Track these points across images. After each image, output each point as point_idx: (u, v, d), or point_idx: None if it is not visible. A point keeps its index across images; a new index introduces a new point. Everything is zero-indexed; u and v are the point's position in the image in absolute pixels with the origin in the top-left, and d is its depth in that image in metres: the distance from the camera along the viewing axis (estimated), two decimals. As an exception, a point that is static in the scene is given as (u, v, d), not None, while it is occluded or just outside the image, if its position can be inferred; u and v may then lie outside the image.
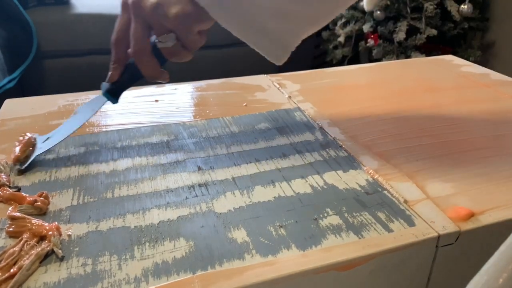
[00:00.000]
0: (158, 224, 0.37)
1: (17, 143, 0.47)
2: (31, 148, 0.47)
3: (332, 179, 0.43)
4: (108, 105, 0.48)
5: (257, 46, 0.45)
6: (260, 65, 2.00)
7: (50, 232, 0.35)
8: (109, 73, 0.45)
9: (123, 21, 0.43)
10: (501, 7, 1.80)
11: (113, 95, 0.46)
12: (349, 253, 0.34)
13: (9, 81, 1.47)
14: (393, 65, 0.81)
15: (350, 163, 0.46)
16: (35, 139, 0.48)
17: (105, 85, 0.46)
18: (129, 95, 0.63)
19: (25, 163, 0.45)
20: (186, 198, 0.40)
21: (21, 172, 0.44)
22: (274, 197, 0.41)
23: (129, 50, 0.43)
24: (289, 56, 0.48)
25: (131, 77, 0.46)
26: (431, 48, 1.76)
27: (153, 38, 0.43)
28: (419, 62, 0.81)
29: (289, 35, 0.46)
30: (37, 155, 0.46)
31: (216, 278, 0.31)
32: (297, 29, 0.45)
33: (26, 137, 0.48)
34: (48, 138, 0.48)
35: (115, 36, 0.44)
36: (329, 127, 0.54)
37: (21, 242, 0.34)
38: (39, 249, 0.33)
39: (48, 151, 0.47)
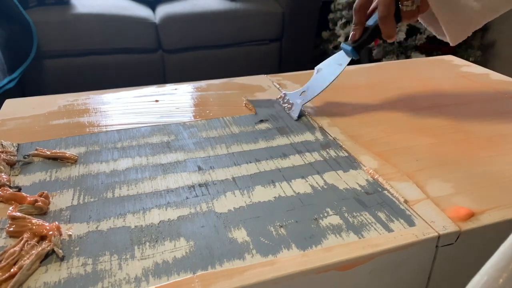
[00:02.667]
0: (158, 224, 0.37)
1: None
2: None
3: (332, 179, 0.43)
4: (108, 104, 0.48)
5: (447, 23, 0.52)
6: (260, 65, 2.01)
7: (51, 232, 0.35)
8: (352, 33, 0.56)
9: None
10: (501, 7, 1.79)
11: (357, 51, 0.56)
12: (349, 253, 0.34)
13: (9, 81, 1.47)
14: (393, 65, 0.81)
15: (350, 163, 0.46)
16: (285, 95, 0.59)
17: (345, 45, 0.57)
18: (129, 95, 0.63)
19: (297, 115, 0.56)
20: (187, 198, 0.40)
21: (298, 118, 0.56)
22: (274, 197, 0.41)
23: (371, 13, 0.54)
24: (463, 39, 0.54)
25: (370, 36, 0.55)
26: (431, 48, 1.76)
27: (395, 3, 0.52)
28: (419, 62, 0.81)
29: (473, 17, 0.52)
30: (303, 104, 0.57)
31: (217, 278, 0.31)
32: (482, 13, 0.51)
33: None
34: (304, 91, 0.58)
35: (359, 3, 0.54)
36: (329, 127, 0.54)
37: (22, 242, 0.34)
38: (40, 249, 0.33)
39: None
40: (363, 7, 0.55)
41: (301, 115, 0.57)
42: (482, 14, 0.51)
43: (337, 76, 0.57)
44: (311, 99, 0.57)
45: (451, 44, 0.54)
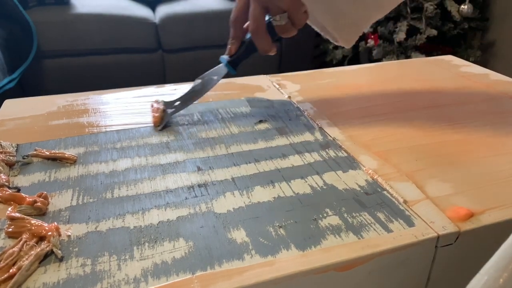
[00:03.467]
0: (157, 224, 0.37)
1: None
2: (163, 113, 0.55)
3: (332, 179, 0.43)
4: (108, 104, 0.48)
5: (334, 28, 0.52)
6: (260, 65, 2.00)
7: (50, 233, 0.35)
8: (228, 47, 0.54)
9: (241, 3, 0.51)
10: (501, 7, 1.80)
11: (233, 66, 0.55)
12: (349, 253, 0.34)
13: (9, 81, 1.47)
14: (393, 65, 0.81)
15: (349, 163, 0.46)
16: (163, 104, 0.56)
17: (224, 57, 0.55)
18: (129, 95, 0.63)
19: (161, 125, 0.53)
20: (186, 198, 0.40)
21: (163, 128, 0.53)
22: (274, 197, 0.40)
23: (248, 27, 0.51)
24: (355, 41, 0.54)
25: (247, 51, 0.53)
26: (431, 48, 1.76)
27: (267, 17, 0.50)
28: (419, 62, 0.81)
29: (362, 20, 0.52)
30: (170, 118, 0.55)
31: (216, 279, 0.31)
32: (369, 14, 0.52)
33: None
34: (175, 103, 0.56)
35: (234, 16, 0.51)
36: (328, 127, 0.54)
37: (21, 243, 0.34)
38: (39, 249, 0.33)
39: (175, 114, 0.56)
40: (239, 21, 0.52)
41: (166, 125, 0.54)
42: (364, 17, 0.52)
43: (210, 88, 0.56)
44: (179, 110, 0.56)
45: (345, 47, 0.55)
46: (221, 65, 0.56)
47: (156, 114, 0.54)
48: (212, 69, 0.56)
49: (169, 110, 0.56)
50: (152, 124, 0.54)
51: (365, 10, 0.51)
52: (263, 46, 0.51)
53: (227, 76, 0.71)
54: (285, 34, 0.51)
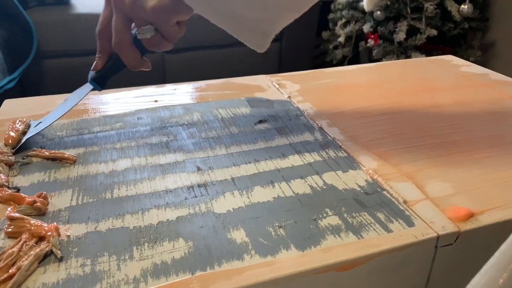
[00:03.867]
0: (157, 224, 0.37)
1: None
2: (25, 132, 0.51)
3: (332, 180, 0.43)
4: (108, 104, 0.48)
5: (237, 34, 0.45)
6: (260, 65, 2.00)
7: (49, 233, 0.34)
8: (95, 62, 0.49)
9: (106, 13, 0.45)
10: (501, 7, 1.80)
11: (98, 83, 0.49)
12: (349, 253, 0.34)
13: (9, 81, 1.47)
14: (393, 65, 0.81)
15: (349, 163, 0.46)
16: (28, 124, 0.52)
17: (91, 73, 0.49)
18: (128, 95, 0.63)
19: (16, 146, 0.48)
20: (185, 198, 0.40)
21: (15, 152, 0.47)
22: (274, 197, 0.40)
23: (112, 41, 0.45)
24: (269, 44, 0.48)
25: (114, 66, 0.49)
26: (431, 48, 1.76)
27: (134, 30, 0.45)
28: (419, 62, 0.81)
29: (266, 23, 0.46)
30: (27, 138, 0.49)
31: (215, 279, 0.31)
32: (274, 17, 0.45)
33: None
34: (40, 122, 0.51)
35: (99, 28, 0.46)
36: (328, 127, 0.54)
37: (20, 243, 0.34)
38: (38, 249, 0.33)
39: (38, 134, 0.50)
40: (103, 33, 0.46)
41: (21, 149, 0.48)
42: (270, 20, 0.45)
43: (71, 107, 0.50)
44: (40, 131, 0.50)
45: (259, 52, 0.48)
46: (87, 84, 0.50)
47: (13, 134, 0.49)
48: (80, 87, 0.51)
49: (31, 130, 0.50)
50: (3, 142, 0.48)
51: (268, 13, 0.44)
52: (130, 61, 0.46)
53: (227, 76, 0.71)
54: (156, 48, 0.46)
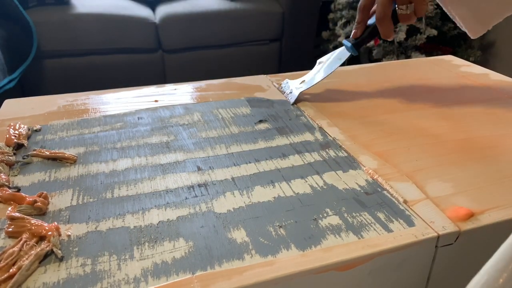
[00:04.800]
0: (157, 224, 0.37)
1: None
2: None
3: (332, 179, 0.43)
4: (108, 104, 0.48)
5: (461, 17, 0.55)
6: (260, 65, 2.00)
7: (50, 232, 0.35)
8: (353, 31, 0.60)
9: None
10: (501, 7, 1.79)
11: (356, 48, 0.60)
12: (349, 253, 0.34)
13: (9, 81, 1.47)
14: (393, 65, 0.81)
15: (349, 163, 0.46)
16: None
17: (346, 42, 0.61)
18: (129, 95, 0.63)
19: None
20: (186, 198, 0.40)
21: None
22: (274, 197, 0.40)
23: (373, 13, 0.57)
24: (483, 33, 0.57)
25: (370, 35, 0.59)
26: (431, 48, 1.76)
27: (393, 5, 0.55)
28: (419, 62, 0.81)
29: (491, 12, 0.54)
30: (301, 92, 0.61)
31: (216, 278, 0.31)
32: (499, 8, 0.54)
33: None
34: (303, 81, 0.63)
35: (363, 3, 0.58)
36: (328, 127, 0.54)
37: (21, 242, 0.34)
38: (39, 249, 0.33)
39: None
40: (366, 7, 0.58)
41: (297, 101, 0.61)
42: (499, 10, 0.54)
43: (334, 69, 0.61)
44: (309, 87, 0.62)
45: (471, 37, 0.57)
46: (342, 48, 0.62)
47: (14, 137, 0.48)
48: (333, 52, 0.63)
49: (297, 88, 0.62)
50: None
51: (500, 7, 0.54)
52: (386, 31, 0.56)
53: (227, 76, 0.72)
54: (406, 22, 0.56)
